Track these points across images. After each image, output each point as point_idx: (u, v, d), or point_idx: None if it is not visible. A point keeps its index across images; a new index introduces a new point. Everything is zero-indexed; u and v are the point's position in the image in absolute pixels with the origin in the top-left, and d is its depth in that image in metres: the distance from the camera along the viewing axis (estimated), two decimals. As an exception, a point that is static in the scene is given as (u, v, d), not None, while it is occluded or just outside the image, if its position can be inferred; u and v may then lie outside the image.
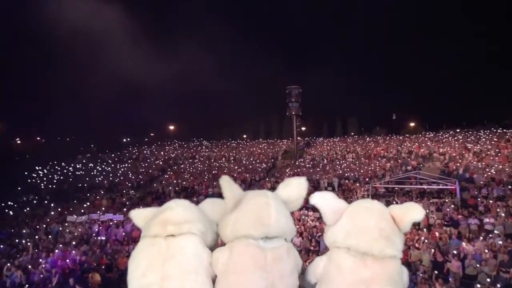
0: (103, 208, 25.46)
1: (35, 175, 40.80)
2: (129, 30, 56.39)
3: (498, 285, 11.29)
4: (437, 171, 27.36)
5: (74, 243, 18.87)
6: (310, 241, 16.16)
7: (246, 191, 1.94)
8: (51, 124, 55.43)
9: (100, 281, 13.88)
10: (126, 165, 43.58)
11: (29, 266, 15.28)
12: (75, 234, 20.49)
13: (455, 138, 37.47)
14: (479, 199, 20.06)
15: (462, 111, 49.76)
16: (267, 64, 64.62)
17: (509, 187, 21.01)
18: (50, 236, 20.42)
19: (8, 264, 14.93)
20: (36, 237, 20.42)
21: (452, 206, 19.05)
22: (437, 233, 15.63)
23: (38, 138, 62.79)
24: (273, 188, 2.13)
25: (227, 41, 65.42)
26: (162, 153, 48.78)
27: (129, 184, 34.87)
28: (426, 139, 39.35)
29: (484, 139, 34.52)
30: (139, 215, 1.94)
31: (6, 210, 27.37)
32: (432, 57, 63.07)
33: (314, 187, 28.61)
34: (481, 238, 14.68)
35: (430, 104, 56.48)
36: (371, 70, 67.09)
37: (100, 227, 21.45)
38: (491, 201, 18.99)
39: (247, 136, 60.21)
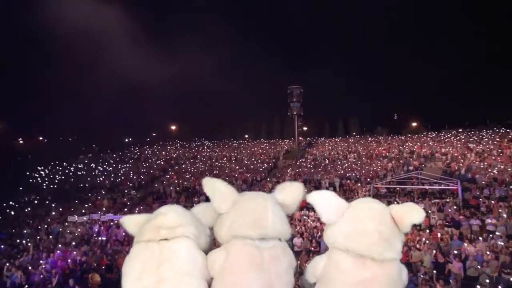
0: (104, 208, 25.44)
1: (37, 175, 40.86)
2: (131, 30, 56.56)
3: (500, 287, 11.19)
4: (439, 171, 27.22)
5: (74, 243, 18.84)
6: (311, 241, 16.09)
7: (242, 193, 1.91)
8: (53, 124, 55.62)
9: (100, 282, 13.90)
10: (128, 165, 43.61)
11: (29, 267, 15.25)
12: (76, 234, 20.47)
13: (457, 138, 37.33)
14: (481, 199, 19.95)
15: (464, 111, 49.65)
16: (269, 64, 64.66)
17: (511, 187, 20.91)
18: (51, 237, 20.41)
19: (7, 264, 14.85)
20: (37, 237, 20.41)
21: (454, 206, 18.94)
22: (438, 234, 15.56)
23: (40, 138, 62.89)
24: (274, 189, 2.05)
25: (229, 41, 65.49)
26: (163, 153, 48.81)
27: (131, 184, 34.88)
28: (428, 139, 39.20)
29: (486, 139, 34.36)
30: (130, 222, 1.92)
31: (8, 210, 27.38)
32: (434, 57, 62.99)
33: (316, 187, 28.55)
34: (482, 239, 14.56)
35: (432, 104, 56.37)
36: (373, 70, 67.04)
37: (101, 227, 21.46)
38: (493, 202, 18.88)
39: (249, 136, 60.18)
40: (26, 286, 13.59)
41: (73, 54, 56.53)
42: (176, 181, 34.27)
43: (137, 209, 24.71)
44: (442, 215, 18.26)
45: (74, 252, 17.02)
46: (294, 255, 1.86)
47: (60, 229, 21.37)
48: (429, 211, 18.74)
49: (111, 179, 37.34)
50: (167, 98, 62.59)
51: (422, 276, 11.98)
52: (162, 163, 43.97)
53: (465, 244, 13.94)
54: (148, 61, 53.56)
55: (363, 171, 30.16)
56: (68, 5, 46.00)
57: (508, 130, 36.37)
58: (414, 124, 54.03)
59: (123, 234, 19.34)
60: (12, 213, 26.83)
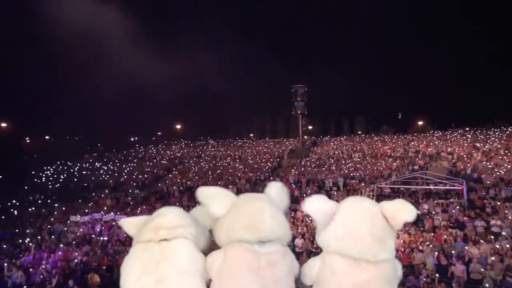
0: (106, 208, 25.47)
1: (42, 175, 41.10)
2: (136, 30, 56.66)
3: (504, 291, 10.95)
4: (445, 171, 26.82)
5: (75, 243, 18.86)
6: (312, 242, 15.93)
7: (240, 195, 1.92)
8: (59, 124, 55.96)
9: (99, 282, 13.88)
10: (132, 164, 43.69)
11: (30, 267, 15.27)
12: (78, 234, 20.49)
13: (464, 137, 36.82)
14: (486, 200, 19.59)
15: (471, 109, 49.03)
16: (274, 63, 64.37)
17: (518, 187, 20.52)
18: (53, 237, 20.46)
19: (6, 264, 14.87)
20: (39, 237, 20.47)
21: (458, 207, 18.60)
22: (442, 236, 15.27)
23: (47, 137, 63.32)
24: None
25: (233, 41, 65.28)
26: (168, 152, 48.85)
27: (134, 184, 34.92)
28: (434, 138, 38.74)
29: (493, 138, 33.81)
30: (129, 223, 1.95)
31: (12, 210, 27.53)
32: (440, 55, 62.25)
33: (319, 186, 28.37)
34: (487, 241, 14.25)
35: (439, 102, 55.65)
36: (379, 68, 66.33)
37: (103, 227, 21.47)
38: (498, 203, 18.51)
39: (254, 135, 60.08)
40: (25, 286, 13.53)
41: (79, 54, 56.83)
42: (179, 180, 34.23)
43: (139, 208, 24.73)
44: (446, 216, 17.95)
45: (76, 253, 17.04)
46: (296, 258, 1.87)
47: (63, 229, 21.40)
48: (433, 212, 18.45)
49: (115, 179, 37.42)
50: (173, 98, 62.70)
51: (424, 279, 11.77)
52: (166, 162, 43.99)
53: (468, 247, 13.64)
54: (154, 61, 53.57)
55: (368, 171, 29.86)
56: (75, 5, 46.25)
57: (515, 129, 35.80)
58: (420, 122, 53.47)
59: (125, 234, 19.34)
60: (16, 212, 26.94)
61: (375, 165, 31.49)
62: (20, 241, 19.58)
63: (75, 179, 39.02)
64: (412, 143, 37.21)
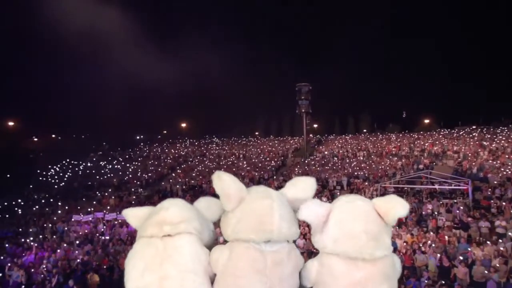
0: (109, 207, 25.51)
1: (48, 173, 41.36)
2: (143, 29, 56.75)
3: (507, 294, 10.70)
4: (450, 170, 26.47)
5: (77, 242, 18.90)
6: (313, 243, 15.75)
7: (249, 188, 1.87)
8: (66, 122, 56.37)
9: (99, 282, 13.89)
10: (136, 163, 43.83)
11: (31, 266, 15.31)
12: (80, 233, 20.53)
13: (471, 135, 36.32)
14: (492, 200, 19.24)
15: (479, 107, 48.39)
16: (279, 61, 64.13)
17: (525, 187, 20.13)
18: (54, 236, 20.51)
19: (9, 264, 14.92)
20: (40, 236, 20.54)
21: (462, 208, 18.27)
22: (445, 237, 14.99)
23: (54, 136, 63.80)
24: (280, 188, 2.07)
25: (238, 40, 65.04)
26: (172, 151, 48.91)
27: (138, 183, 35.01)
28: (441, 136, 38.29)
29: (500, 137, 33.29)
30: (132, 215, 1.92)
31: (16, 209, 27.69)
32: (448, 52, 61.48)
33: (323, 186, 28.18)
34: (492, 242, 13.94)
35: (446, 100, 54.96)
36: (385, 66, 65.67)
37: (105, 226, 21.49)
38: (504, 203, 18.16)
39: (259, 134, 60.00)
40: (23, 286, 13.56)
41: (86, 53, 57.16)
42: (183, 179, 34.23)
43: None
44: (450, 216, 17.65)
45: (77, 252, 17.07)
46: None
47: (65, 228, 21.46)
48: (436, 212, 18.17)
49: (119, 177, 37.55)
50: (178, 96, 62.78)
51: (426, 281, 11.55)
52: (170, 161, 44.05)
53: (472, 248, 13.35)
54: (160, 60, 53.69)
55: (372, 170, 29.57)
56: (85, 4, 46.49)
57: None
58: (427, 121, 52.87)
59: (126, 233, 19.35)
60: (20, 211, 27.09)
61: (380, 164, 31.19)
62: (23, 240, 19.64)
63: (80, 178, 39.24)
64: (418, 141, 36.80)
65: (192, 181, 32.97)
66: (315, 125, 53.86)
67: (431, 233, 15.52)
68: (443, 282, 11.53)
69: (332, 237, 1.72)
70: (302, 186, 1.94)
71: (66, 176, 40.53)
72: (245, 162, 38.94)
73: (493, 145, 30.66)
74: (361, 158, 34.83)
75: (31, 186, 35.47)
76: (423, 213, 18.63)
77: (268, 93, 60.62)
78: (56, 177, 39.94)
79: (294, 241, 1.88)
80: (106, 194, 31.15)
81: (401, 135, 42.83)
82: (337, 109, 59.12)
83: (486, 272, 11.63)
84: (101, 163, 45.33)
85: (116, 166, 43.01)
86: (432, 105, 53.91)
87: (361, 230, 1.67)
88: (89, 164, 45.43)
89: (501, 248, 12.97)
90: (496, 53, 56.75)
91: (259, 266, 1.66)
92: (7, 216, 26.47)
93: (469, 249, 13.18)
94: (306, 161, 36.95)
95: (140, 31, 54.99)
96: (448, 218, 17.47)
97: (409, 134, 42.78)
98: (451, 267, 12.31)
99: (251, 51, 64.87)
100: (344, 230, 1.70)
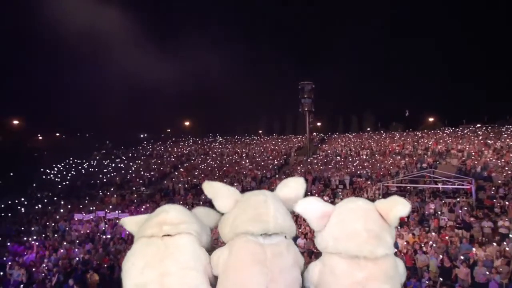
0: (110, 206, 25.53)
1: (51, 172, 41.53)
2: (146, 29, 56.90)
3: (509, 295, 10.55)
4: (454, 169, 26.18)
5: (78, 241, 18.93)
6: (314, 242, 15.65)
7: (244, 193, 1.96)
8: (70, 121, 56.65)
9: (99, 281, 13.91)
10: (139, 161, 43.88)
11: (32, 265, 15.35)
12: (81, 232, 20.57)
13: (475, 134, 35.97)
14: (495, 199, 19.00)
15: (483, 105, 47.94)
16: (282, 60, 64.07)
17: (529, 187, 19.88)
18: (56, 235, 20.56)
19: (10, 263, 14.97)
20: (43, 235, 20.60)
21: (465, 208, 18.05)
22: (447, 237, 14.84)
23: (58, 135, 64.12)
24: None
25: (241, 39, 65.21)
26: (175, 149, 48.93)
27: (141, 181, 35.01)
28: (445, 134, 37.95)
29: (505, 135, 32.93)
30: (130, 222, 1.97)
31: (19, 207, 27.80)
32: (448, 52, 61.14)
33: (325, 184, 28.06)
34: (494, 243, 13.75)
35: (451, 98, 54.58)
36: (389, 64, 65.31)
37: (107, 225, 21.52)
38: (507, 203, 17.92)
39: (262, 132, 59.90)
40: (21, 286, 13.59)
41: (89, 53, 57.46)
42: (185, 178, 34.22)
43: (144, 206, 24.72)
44: (453, 216, 17.46)
45: (77, 250, 17.10)
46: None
47: (67, 227, 21.51)
48: (439, 212, 17.99)
49: (121, 176, 37.60)
50: (181, 95, 62.97)
51: (426, 282, 11.43)
52: (173, 159, 44.07)
53: (474, 248, 13.18)
54: (163, 59, 53.85)
55: (375, 169, 29.37)
56: (85, 4, 46.62)
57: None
58: (431, 119, 52.45)
59: (127, 232, 19.34)
60: (23, 210, 27.19)
61: (383, 163, 30.99)
62: (25, 238, 19.71)
63: (83, 177, 39.36)
64: (422, 140, 36.51)
65: (195, 180, 32.91)
66: (318, 124, 53.69)
67: (433, 233, 15.32)
68: (443, 281, 11.42)
69: (333, 235, 1.76)
70: (293, 185, 2.00)
71: (70, 174, 40.65)
72: (247, 161, 38.88)
73: (498, 144, 30.34)
74: (364, 157, 34.60)
75: (34, 185, 35.61)
76: (426, 212, 18.47)
77: (269, 93, 60.81)
78: (59, 175, 40.08)
79: (295, 241, 1.89)
80: (108, 193, 31.20)
81: (405, 133, 42.53)
82: (339, 109, 58.99)
83: (488, 273, 11.49)
84: (104, 161, 45.42)
85: (119, 165, 43.07)
86: (432, 105, 53.65)
87: (362, 228, 1.69)
88: (92, 163, 45.55)
89: (506, 249, 12.78)
90: (496, 53, 56.43)
91: (260, 258, 1.68)
92: (9, 215, 26.59)
93: (474, 249, 13.01)
94: (309, 160, 36.79)
95: (144, 31, 55.18)
96: (450, 218, 17.28)
97: (413, 132, 42.46)
98: (453, 267, 12.17)
99: (252, 51, 65.05)
100: (345, 228, 1.73)
